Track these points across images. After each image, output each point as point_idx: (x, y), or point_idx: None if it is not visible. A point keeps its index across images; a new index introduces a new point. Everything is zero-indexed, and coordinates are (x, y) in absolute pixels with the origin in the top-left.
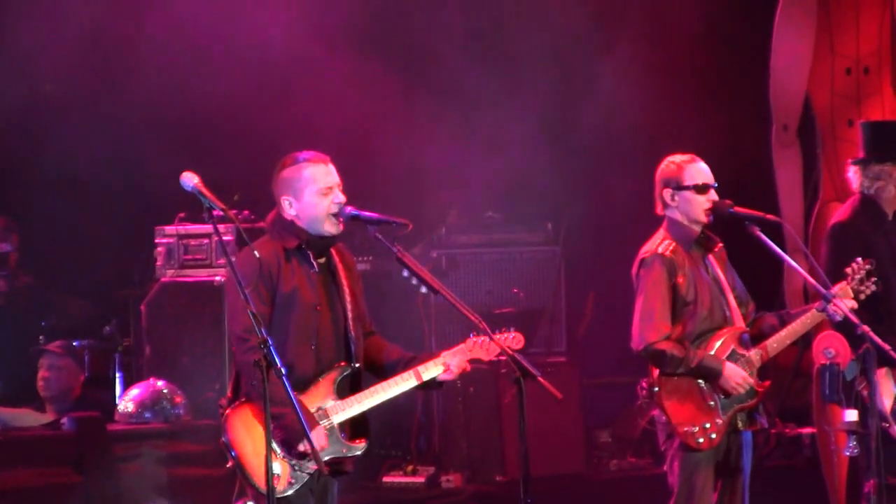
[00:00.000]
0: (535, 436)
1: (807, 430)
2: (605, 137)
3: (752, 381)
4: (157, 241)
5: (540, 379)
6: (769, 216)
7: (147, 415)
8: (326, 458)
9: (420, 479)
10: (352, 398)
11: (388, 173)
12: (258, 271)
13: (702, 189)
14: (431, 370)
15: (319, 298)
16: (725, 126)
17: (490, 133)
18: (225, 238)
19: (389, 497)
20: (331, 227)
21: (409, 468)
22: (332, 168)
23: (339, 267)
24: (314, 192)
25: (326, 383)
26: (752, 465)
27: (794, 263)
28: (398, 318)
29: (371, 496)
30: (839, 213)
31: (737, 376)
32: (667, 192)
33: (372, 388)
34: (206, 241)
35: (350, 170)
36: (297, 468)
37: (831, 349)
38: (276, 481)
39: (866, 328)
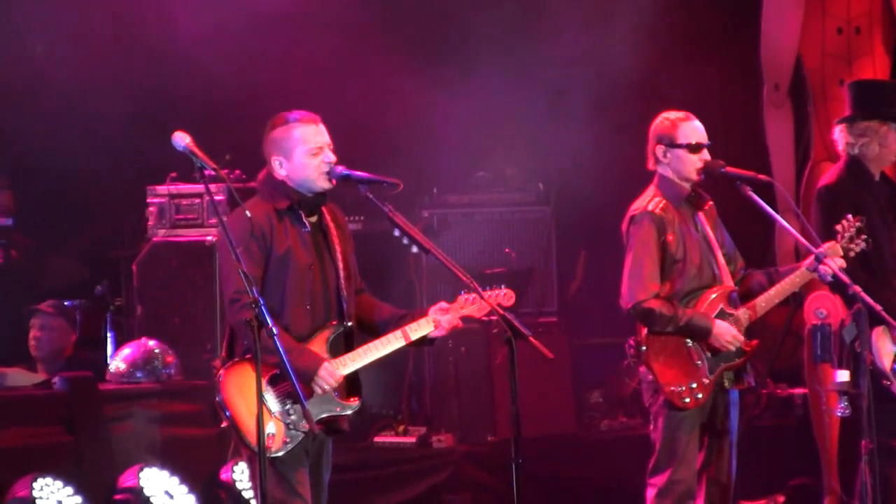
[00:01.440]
0: (526, 396)
1: (798, 391)
2: (597, 97)
3: (741, 338)
4: (148, 200)
5: (531, 339)
6: (760, 176)
7: (138, 374)
8: (321, 417)
9: (411, 440)
10: (345, 357)
11: (376, 133)
12: (250, 232)
13: (695, 148)
14: (420, 329)
15: (313, 258)
16: (716, 85)
17: (482, 92)
18: (216, 198)
19: (381, 457)
20: (323, 184)
21: (401, 428)
22: (322, 128)
23: (331, 226)
24: (304, 151)
25: (319, 342)
26: (743, 425)
27: (785, 223)
28: (390, 277)
29: (362, 456)
30: (826, 176)
31: (727, 334)
32: (659, 149)
33: (364, 347)
34: (197, 200)
35: (339, 130)
36: (291, 427)
37: (823, 309)
38: (270, 441)
39: (858, 288)
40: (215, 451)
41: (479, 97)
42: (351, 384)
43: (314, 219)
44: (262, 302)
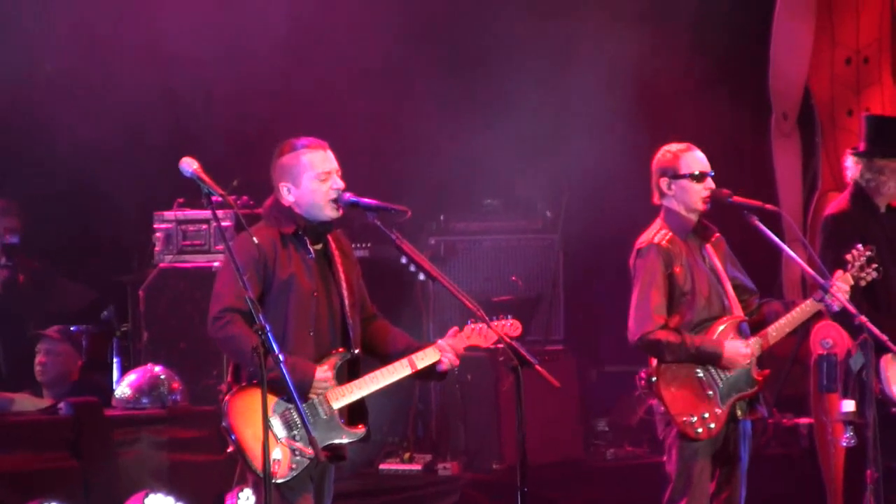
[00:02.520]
0: (533, 424)
1: (804, 421)
2: (606, 126)
3: (751, 354)
4: (155, 226)
5: (537, 367)
6: (768, 206)
7: (144, 400)
8: (326, 444)
9: (417, 467)
10: (351, 384)
11: (383, 160)
12: (255, 258)
13: (698, 178)
14: (427, 358)
15: (317, 284)
16: (725, 115)
17: (490, 119)
18: (223, 224)
19: (386, 484)
20: (330, 212)
21: (406, 455)
22: (330, 154)
23: (336, 254)
24: (312, 177)
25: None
26: (750, 454)
27: (792, 253)
28: (397, 305)
29: (368, 483)
30: (832, 205)
31: (738, 354)
32: (663, 182)
33: (371, 375)
34: (204, 226)
35: (346, 158)
36: (297, 454)
37: (829, 339)
38: (276, 467)
39: (864, 318)
40: (221, 477)
41: (486, 124)
42: (356, 412)
43: (319, 246)
44: (268, 329)
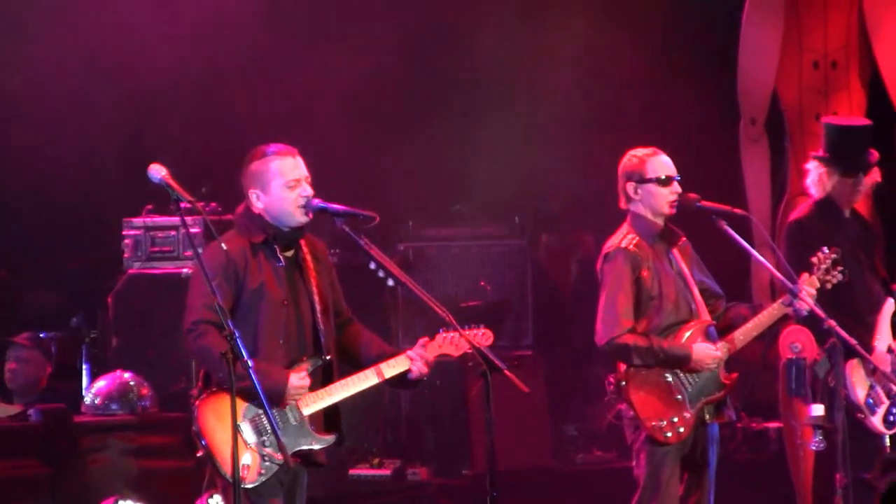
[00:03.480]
0: (502, 429)
1: (773, 425)
2: (574, 131)
3: (721, 356)
4: (124, 232)
5: (506, 372)
6: (737, 210)
7: (114, 406)
8: (296, 450)
9: (386, 472)
10: (321, 391)
11: (351, 166)
12: (224, 266)
13: (665, 182)
14: (397, 366)
15: (286, 293)
16: (693, 120)
17: (458, 125)
18: (192, 230)
19: (355, 490)
20: (300, 218)
21: (376, 461)
22: (299, 161)
23: (308, 259)
24: (281, 185)
25: None
26: (719, 458)
27: (761, 258)
28: (365, 310)
29: (337, 489)
30: (796, 211)
31: (707, 356)
32: (630, 186)
33: (341, 382)
34: (173, 233)
35: (314, 164)
36: (267, 459)
37: (797, 343)
38: (245, 472)
39: (832, 322)
40: (190, 483)
41: (454, 130)
42: (328, 418)
43: (290, 253)
44: (237, 335)
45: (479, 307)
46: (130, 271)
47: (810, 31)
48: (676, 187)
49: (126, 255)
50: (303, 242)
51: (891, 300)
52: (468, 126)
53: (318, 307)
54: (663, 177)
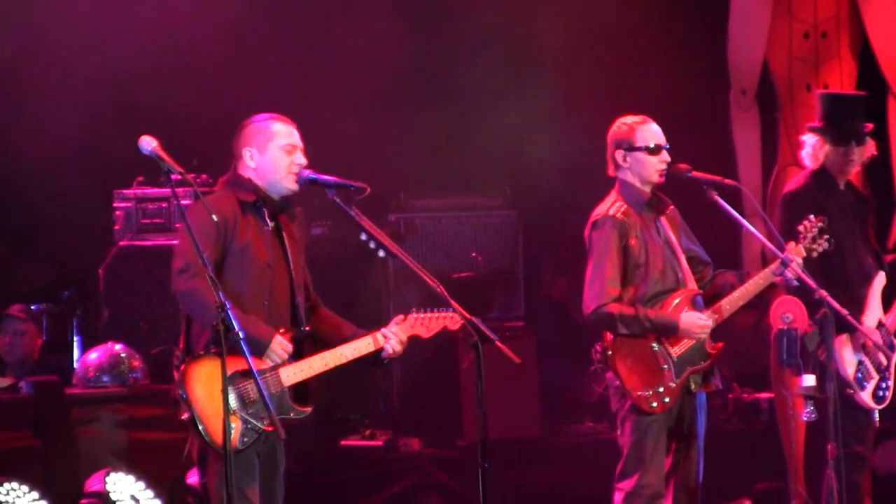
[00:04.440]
0: (493, 400)
1: (764, 395)
2: (564, 100)
3: (710, 324)
4: (115, 204)
5: (498, 343)
6: (727, 181)
7: (105, 378)
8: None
9: (378, 444)
10: (302, 362)
11: (342, 137)
12: (212, 223)
13: (654, 150)
14: (359, 350)
15: (272, 257)
16: (684, 90)
17: (447, 96)
18: (183, 202)
19: (347, 461)
20: (289, 185)
21: (367, 432)
22: (296, 131)
23: (285, 234)
24: (278, 146)
25: None
26: (710, 429)
27: (752, 228)
28: (357, 282)
29: (329, 459)
30: (791, 182)
31: (695, 325)
32: (619, 154)
33: (320, 355)
34: (164, 204)
35: (305, 135)
36: (249, 426)
37: (789, 314)
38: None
39: (823, 293)
40: (182, 456)
41: (444, 101)
42: (301, 392)
43: (274, 223)
44: (228, 306)
45: (470, 278)
46: (121, 243)
47: (800, 2)
48: (665, 156)
49: (117, 227)
50: (283, 218)
51: (882, 273)
52: (458, 97)
53: (295, 281)
54: (652, 145)
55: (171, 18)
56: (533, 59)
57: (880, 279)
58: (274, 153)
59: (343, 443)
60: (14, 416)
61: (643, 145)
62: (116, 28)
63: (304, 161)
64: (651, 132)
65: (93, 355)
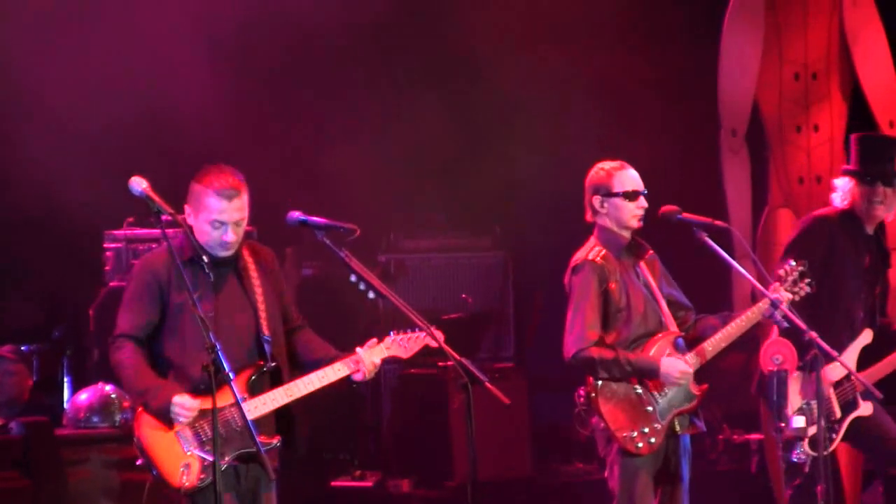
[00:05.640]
0: (483, 441)
1: (754, 437)
2: (552, 140)
3: (690, 370)
4: (105, 245)
5: (487, 384)
6: (717, 222)
7: (95, 419)
8: (238, 453)
9: (368, 484)
10: (265, 395)
11: (331, 178)
12: (149, 284)
13: (631, 196)
14: (339, 371)
15: (219, 305)
16: (674, 131)
17: (435, 136)
18: (174, 242)
19: (337, 501)
20: (219, 252)
21: (357, 473)
22: (235, 204)
23: (250, 267)
24: (207, 220)
25: (239, 382)
26: (700, 469)
27: (741, 269)
28: (347, 323)
29: (318, 500)
30: (821, 209)
31: (675, 369)
32: (596, 199)
33: (285, 387)
34: (154, 245)
35: (295, 176)
36: (206, 464)
37: (779, 355)
38: (185, 477)
39: (814, 334)
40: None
41: (434, 140)
42: (280, 422)
43: (226, 265)
44: (218, 347)
45: (460, 319)
46: (111, 284)
47: (791, 43)
48: (643, 202)
49: (107, 268)
50: (245, 251)
51: (868, 331)
52: (448, 137)
53: (262, 314)
54: (630, 190)
55: (161, 60)
56: (523, 102)
57: (865, 336)
58: (203, 224)
59: (333, 483)
60: (4, 457)
61: (620, 191)
62: (106, 69)
63: (231, 238)
64: (628, 177)
65: (83, 396)
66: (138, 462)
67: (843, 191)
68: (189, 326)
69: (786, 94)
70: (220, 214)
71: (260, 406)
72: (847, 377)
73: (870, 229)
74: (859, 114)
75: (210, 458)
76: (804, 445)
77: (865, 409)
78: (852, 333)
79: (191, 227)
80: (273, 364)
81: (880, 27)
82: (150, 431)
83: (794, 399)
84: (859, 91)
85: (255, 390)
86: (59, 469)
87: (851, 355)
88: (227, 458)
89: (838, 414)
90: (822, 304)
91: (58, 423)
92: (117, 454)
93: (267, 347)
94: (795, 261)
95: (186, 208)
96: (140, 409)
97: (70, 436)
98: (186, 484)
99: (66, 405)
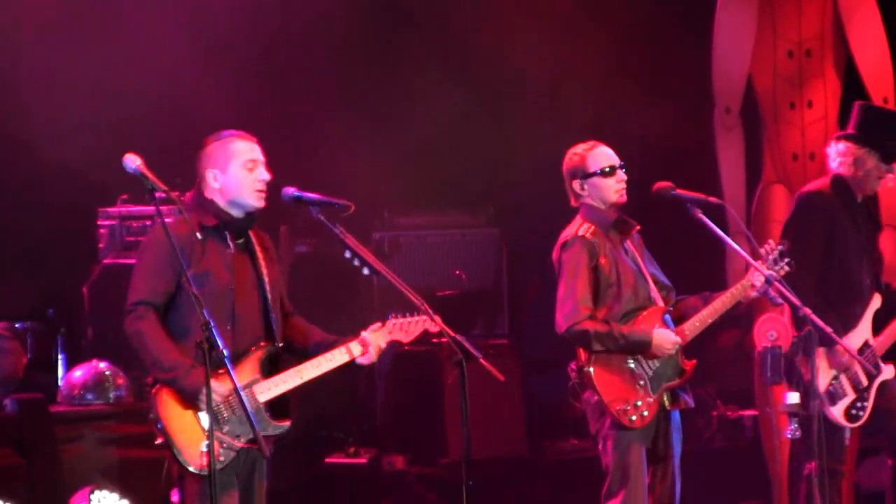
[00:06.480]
0: (478, 418)
1: (748, 413)
2: (546, 117)
3: (680, 340)
4: (99, 222)
5: (482, 361)
6: (711, 199)
7: (89, 396)
8: (250, 437)
9: (362, 461)
10: (276, 378)
11: (325, 155)
12: (169, 251)
13: (608, 172)
14: (335, 360)
15: (234, 279)
16: (668, 108)
17: (432, 113)
18: (167, 220)
19: (332, 479)
20: (254, 201)
21: (351, 450)
22: (257, 147)
23: (258, 249)
24: (240, 164)
25: (252, 361)
26: (693, 446)
27: (735, 246)
28: (341, 300)
29: (313, 477)
30: (810, 184)
31: (667, 340)
32: (576, 183)
33: (295, 369)
34: (148, 222)
35: (288, 153)
36: (224, 445)
37: (773, 331)
38: (202, 458)
39: (808, 310)
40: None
41: (427, 118)
42: (281, 406)
43: (241, 240)
44: (212, 324)
45: (454, 296)
46: (105, 261)
47: (784, 20)
48: (621, 175)
49: (101, 245)
50: (252, 233)
51: (878, 295)
52: (443, 114)
53: (269, 295)
54: (607, 168)
55: (154, 39)
56: (518, 79)
57: (875, 301)
58: (236, 171)
59: (327, 460)
60: None
61: (597, 169)
62: (100, 46)
63: (267, 176)
64: (603, 154)
65: (77, 373)
66: (158, 441)
67: (840, 155)
68: (207, 299)
69: (780, 71)
70: (251, 153)
71: (273, 388)
72: (867, 344)
73: (859, 198)
74: (853, 91)
75: (228, 440)
76: (796, 422)
77: (888, 372)
78: (863, 302)
79: (211, 200)
80: (281, 345)
81: (874, 4)
82: (171, 411)
83: (824, 374)
84: (853, 68)
85: (265, 371)
86: (53, 446)
87: (866, 324)
88: (242, 441)
89: (865, 381)
90: (834, 281)
91: (52, 401)
92: (111, 431)
93: (275, 327)
94: (781, 241)
95: (207, 174)
96: (160, 386)
97: (64, 413)
98: (204, 468)
99: (60, 382)
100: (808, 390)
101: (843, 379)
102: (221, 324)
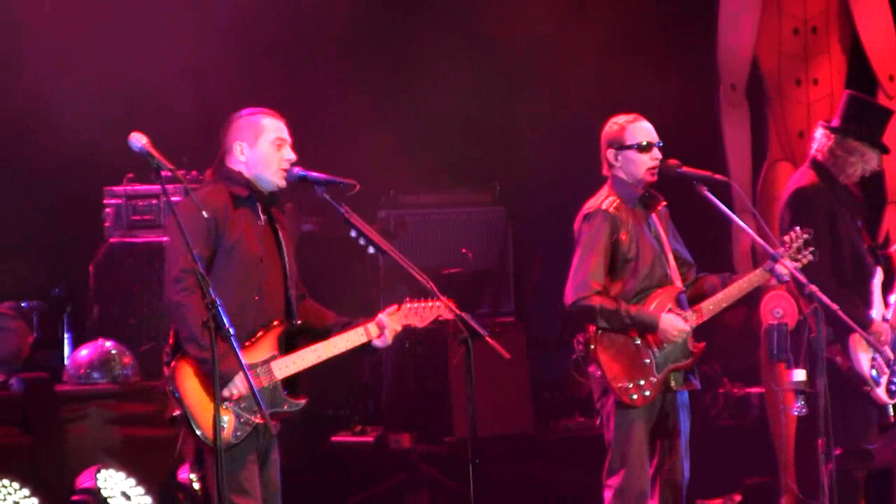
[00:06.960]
0: (483, 396)
1: (755, 390)
2: (552, 97)
3: (688, 329)
4: (105, 201)
5: (488, 339)
6: (717, 176)
7: (95, 375)
8: (269, 412)
9: (368, 440)
10: (294, 356)
11: (331, 134)
12: (203, 219)
13: (645, 148)
14: (351, 340)
15: (264, 252)
16: (673, 85)
17: (437, 92)
18: (173, 198)
19: (338, 457)
20: (278, 180)
21: (358, 428)
22: (285, 127)
23: (279, 227)
24: (269, 140)
25: (271, 338)
26: (700, 424)
27: (742, 223)
28: (347, 279)
29: (320, 456)
30: (797, 179)
31: (673, 327)
32: (610, 153)
33: (312, 348)
34: (154, 201)
35: (294, 132)
36: (242, 420)
37: (779, 309)
38: (221, 431)
39: (814, 287)
40: (172, 452)
41: (433, 97)
42: (294, 384)
43: (266, 216)
44: (219, 303)
45: (460, 274)
46: (111, 240)
47: None
48: (657, 153)
49: (107, 224)
50: (275, 210)
51: (879, 269)
52: (448, 93)
53: (289, 273)
54: (644, 143)
55: (162, 18)
56: (523, 57)
57: (879, 275)
58: (265, 147)
59: (334, 439)
60: (4, 413)
61: (634, 143)
62: (108, 26)
63: (293, 157)
64: (642, 129)
65: (83, 352)
66: (175, 413)
67: (819, 144)
68: (238, 270)
69: (785, 48)
70: (279, 131)
71: (290, 365)
72: (883, 319)
73: (841, 180)
74: (859, 68)
75: (246, 416)
76: (802, 399)
77: None
78: (869, 279)
79: (238, 172)
80: (299, 322)
81: None
82: (190, 384)
83: (864, 355)
84: (859, 45)
85: (282, 348)
86: (58, 425)
87: (877, 298)
88: (258, 416)
89: (891, 355)
90: (845, 263)
91: (58, 380)
92: (117, 410)
93: (293, 304)
94: (801, 228)
95: (235, 146)
96: (180, 357)
97: (70, 392)
98: (226, 437)
99: (66, 361)
100: (814, 367)
101: (879, 358)
102: (249, 294)
